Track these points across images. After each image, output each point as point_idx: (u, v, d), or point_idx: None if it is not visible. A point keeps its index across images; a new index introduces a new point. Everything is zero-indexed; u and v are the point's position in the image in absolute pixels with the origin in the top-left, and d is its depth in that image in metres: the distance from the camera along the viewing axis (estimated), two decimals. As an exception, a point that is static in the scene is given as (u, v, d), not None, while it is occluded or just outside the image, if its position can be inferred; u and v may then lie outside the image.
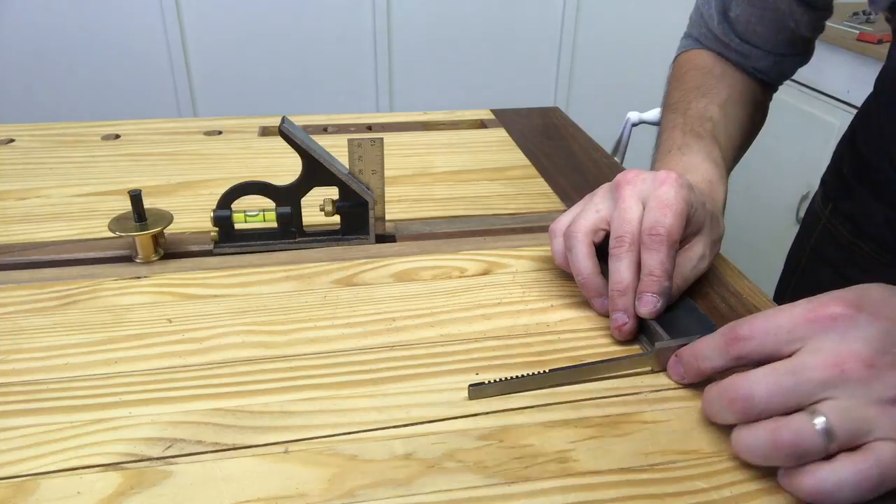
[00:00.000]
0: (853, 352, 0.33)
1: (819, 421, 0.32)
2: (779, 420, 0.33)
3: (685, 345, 0.42)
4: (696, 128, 0.60)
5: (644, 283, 0.44)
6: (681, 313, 0.47)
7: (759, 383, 0.34)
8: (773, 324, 0.35)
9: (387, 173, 0.56)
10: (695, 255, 0.48)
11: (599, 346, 0.45)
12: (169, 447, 0.36)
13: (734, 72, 0.67)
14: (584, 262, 0.47)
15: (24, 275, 0.52)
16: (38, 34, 1.71)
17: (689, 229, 0.47)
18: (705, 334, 0.44)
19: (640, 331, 0.46)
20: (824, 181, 0.74)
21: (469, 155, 0.77)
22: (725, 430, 0.38)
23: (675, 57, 0.73)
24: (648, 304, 0.44)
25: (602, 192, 0.49)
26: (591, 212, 0.48)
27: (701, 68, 0.68)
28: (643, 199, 0.46)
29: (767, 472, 0.36)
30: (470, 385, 0.40)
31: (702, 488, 0.35)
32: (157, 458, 0.36)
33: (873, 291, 0.35)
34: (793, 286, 0.76)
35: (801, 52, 0.69)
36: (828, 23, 0.68)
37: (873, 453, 0.31)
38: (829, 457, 0.32)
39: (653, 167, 0.59)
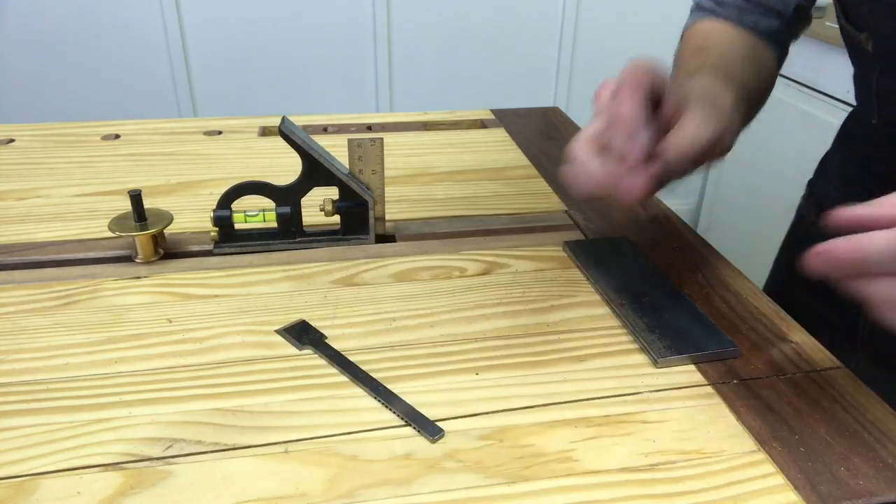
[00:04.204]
0: None
1: None
2: None
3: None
4: (689, 69, 0.55)
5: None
6: (683, 316, 0.47)
7: None
8: None
9: (387, 173, 0.56)
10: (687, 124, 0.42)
11: (600, 346, 0.45)
12: (169, 447, 0.36)
13: (737, 30, 0.64)
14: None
15: (24, 275, 0.52)
16: (38, 34, 1.71)
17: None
18: (708, 336, 0.44)
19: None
20: (811, 182, 0.74)
21: (469, 155, 0.77)
22: (725, 430, 0.39)
23: (682, 32, 0.71)
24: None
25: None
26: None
27: (701, 32, 0.65)
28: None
29: (767, 472, 0.36)
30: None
31: (702, 488, 0.35)
32: (157, 458, 0.36)
33: None
34: (783, 282, 0.76)
35: (805, 19, 0.67)
36: (827, 23, 0.68)
37: None
38: None
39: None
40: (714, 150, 0.43)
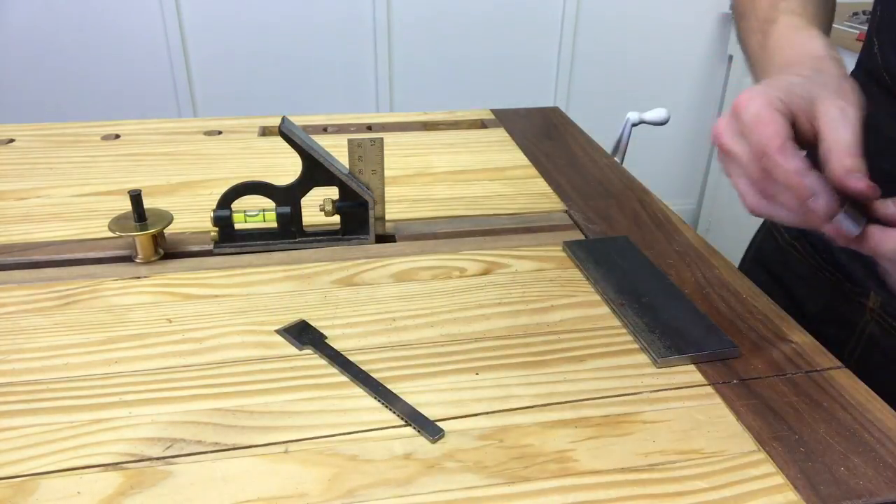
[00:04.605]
0: None
1: None
2: None
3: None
4: (770, 17, 0.53)
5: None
6: (683, 316, 0.47)
7: None
8: None
9: (387, 173, 0.56)
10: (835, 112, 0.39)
11: (600, 346, 0.45)
12: (169, 447, 0.36)
13: None
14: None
15: (24, 275, 0.52)
16: (38, 34, 1.71)
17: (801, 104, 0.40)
18: (708, 336, 0.44)
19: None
20: None
21: (469, 155, 0.77)
22: (725, 430, 0.39)
23: None
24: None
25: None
26: None
27: None
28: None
29: (767, 472, 0.36)
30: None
31: (702, 488, 0.35)
32: (157, 458, 0.36)
33: None
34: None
35: None
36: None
37: None
38: None
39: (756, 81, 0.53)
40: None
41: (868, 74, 0.61)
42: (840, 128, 0.39)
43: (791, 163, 0.38)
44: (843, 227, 0.37)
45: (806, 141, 0.41)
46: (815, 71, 0.43)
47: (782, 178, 0.38)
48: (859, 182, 0.37)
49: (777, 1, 0.54)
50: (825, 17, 0.56)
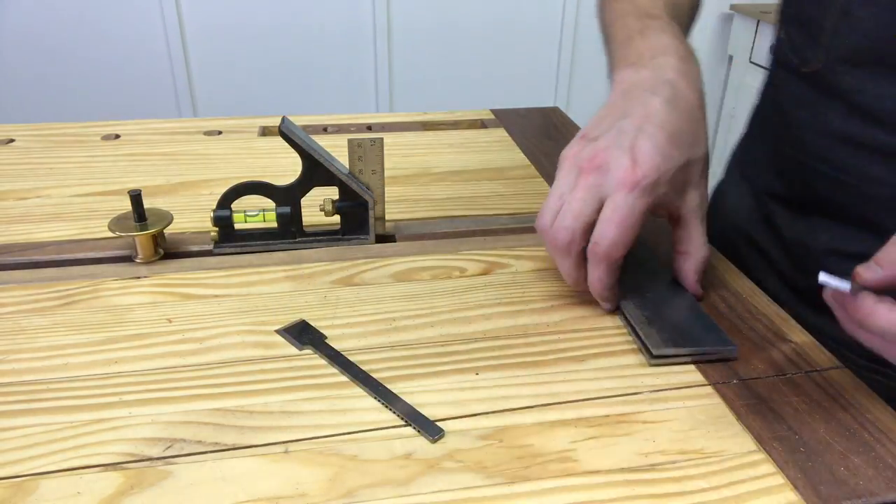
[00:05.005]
0: None
1: None
2: None
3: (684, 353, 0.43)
4: (649, 10, 0.56)
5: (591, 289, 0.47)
6: (684, 313, 0.47)
7: None
8: None
9: (387, 173, 0.56)
10: (692, 205, 0.48)
11: (600, 346, 0.45)
12: (169, 447, 0.36)
13: None
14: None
15: (24, 275, 0.52)
16: (38, 34, 1.71)
17: (668, 197, 0.46)
18: (707, 333, 0.44)
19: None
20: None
21: (469, 155, 0.77)
22: (725, 430, 0.39)
23: None
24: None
25: (567, 173, 0.47)
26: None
27: None
28: (601, 196, 0.44)
29: (767, 472, 0.36)
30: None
31: (702, 488, 0.35)
32: (157, 458, 0.36)
33: None
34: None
35: None
36: None
37: None
38: None
39: (611, 59, 0.57)
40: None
41: (779, 64, 0.62)
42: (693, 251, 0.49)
43: (607, 278, 0.46)
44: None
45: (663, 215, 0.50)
46: (672, 92, 0.48)
47: (595, 289, 0.47)
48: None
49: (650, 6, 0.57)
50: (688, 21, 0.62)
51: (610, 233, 0.43)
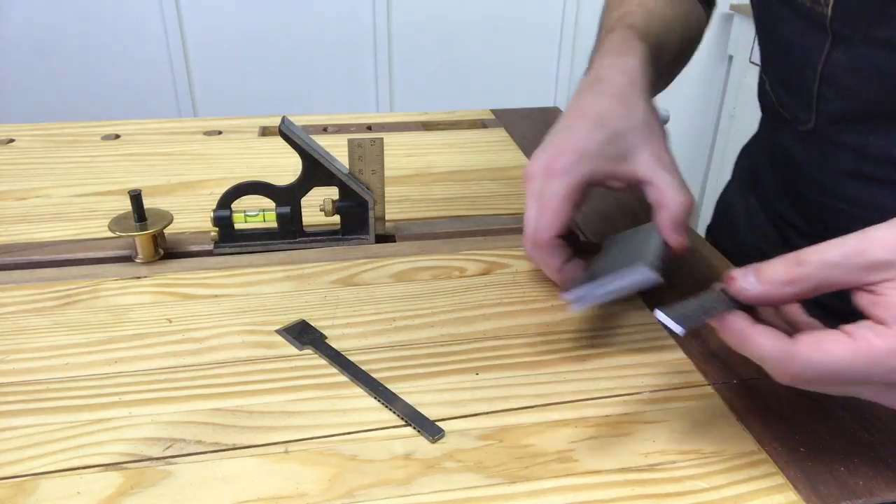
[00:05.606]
0: None
1: None
2: None
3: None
4: (612, 25, 0.57)
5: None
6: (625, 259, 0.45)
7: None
8: None
9: (387, 173, 0.56)
10: (646, 164, 0.47)
11: (600, 346, 0.45)
12: (169, 447, 0.36)
13: None
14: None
15: (24, 275, 0.52)
16: (38, 34, 1.71)
17: (605, 167, 0.47)
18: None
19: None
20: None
21: (469, 155, 0.77)
22: (725, 430, 0.39)
23: None
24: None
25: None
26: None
27: None
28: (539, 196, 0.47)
29: (767, 472, 0.36)
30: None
31: (702, 488, 0.35)
32: (157, 458, 0.36)
33: None
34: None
35: None
36: None
37: None
38: None
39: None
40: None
41: (766, 109, 0.63)
42: (666, 191, 0.47)
43: (550, 260, 0.47)
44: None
45: (616, 187, 0.50)
46: (619, 101, 0.49)
47: (549, 274, 0.49)
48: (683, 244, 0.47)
49: (623, 14, 0.59)
50: (667, 34, 0.60)
51: (531, 219, 0.47)
